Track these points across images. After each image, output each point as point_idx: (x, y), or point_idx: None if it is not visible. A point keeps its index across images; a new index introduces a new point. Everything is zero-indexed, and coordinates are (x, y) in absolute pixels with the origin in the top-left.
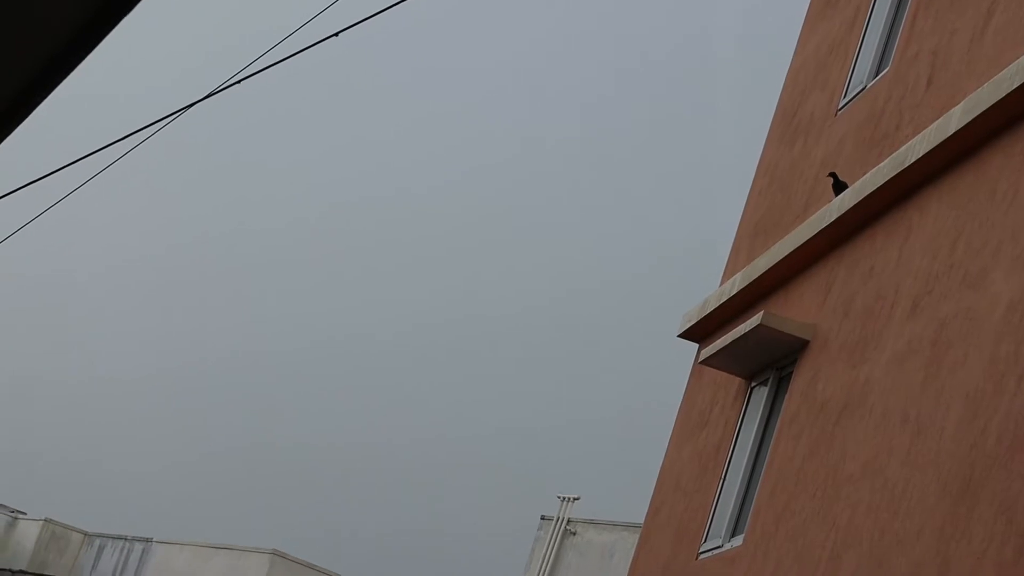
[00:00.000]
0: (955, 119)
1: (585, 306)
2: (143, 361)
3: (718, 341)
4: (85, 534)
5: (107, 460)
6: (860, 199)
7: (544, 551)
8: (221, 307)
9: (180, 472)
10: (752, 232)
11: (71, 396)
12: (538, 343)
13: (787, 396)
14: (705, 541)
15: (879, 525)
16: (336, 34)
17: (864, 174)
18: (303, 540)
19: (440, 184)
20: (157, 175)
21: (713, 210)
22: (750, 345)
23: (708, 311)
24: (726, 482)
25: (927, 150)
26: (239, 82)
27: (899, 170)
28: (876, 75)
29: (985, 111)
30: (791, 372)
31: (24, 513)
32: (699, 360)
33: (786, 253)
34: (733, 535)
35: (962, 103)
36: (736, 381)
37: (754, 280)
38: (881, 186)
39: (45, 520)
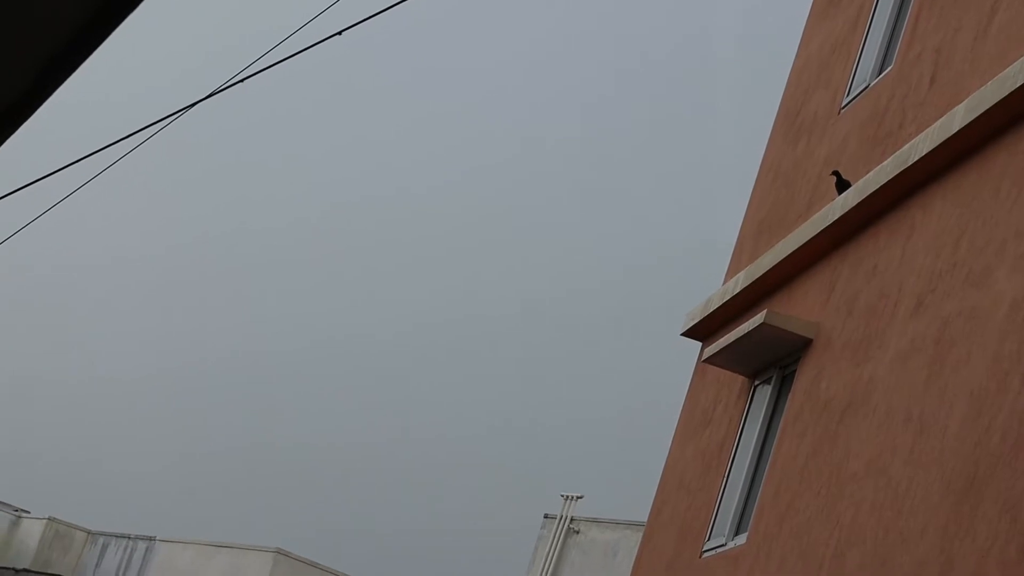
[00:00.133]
0: (958, 117)
1: (585, 306)
2: (143, 361)
3: (721, 340)
4: (89, 533)
5: (108, 460)
6: (863, 197)
7: (547, 549)
8: (221, 307)
9: (180, 472)
10: (755, 231)
11: (72, 396)
12: (538, 343)
13: (790, 395)
14: (708, 540)
15: (883, 523)
16: (339, 32)
17: (867, 172)
18: (304, 540)
19: (440, 184)
20: (158, 175)
21: (713, 210)
22: (753, 343)
23: (711, 309)
24: (729, 480)
25: (930, 148)
26: (241, 81)
27: (902, 168)
28: (879, 73)
29: (988, 109)
30: (794, 370)
31: (28, 512)
32: (702, 358)
33: (789, 251)
34: (736, 533)
35: (965, 101)
36: (739, 379)
37: (757, 278)
38: (884, 184)
39: (49, 519)
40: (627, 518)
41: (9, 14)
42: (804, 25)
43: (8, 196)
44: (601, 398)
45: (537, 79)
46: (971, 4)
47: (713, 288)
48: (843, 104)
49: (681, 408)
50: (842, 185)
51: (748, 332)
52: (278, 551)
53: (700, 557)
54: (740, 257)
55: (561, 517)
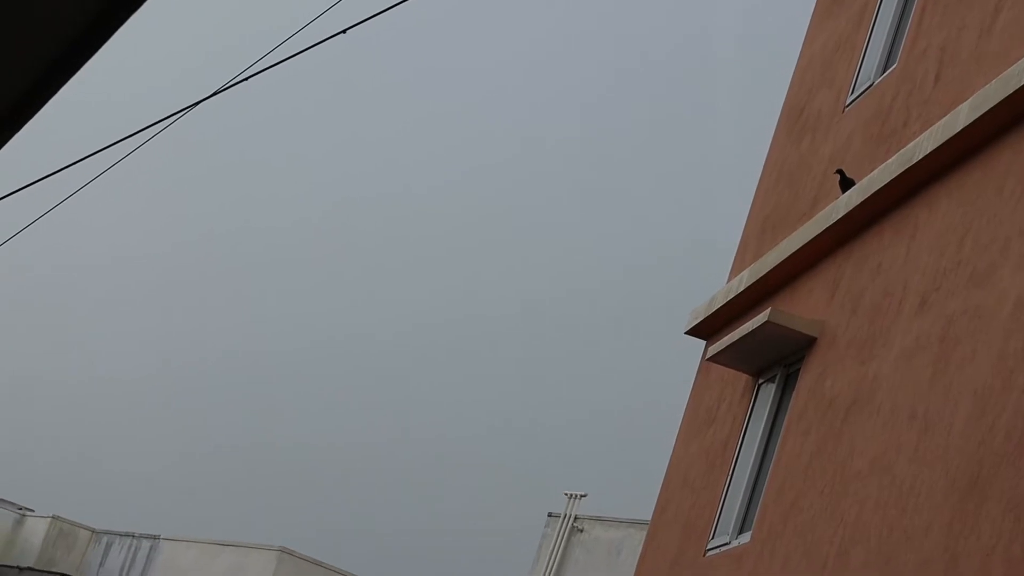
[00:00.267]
0: (963, 115)
1: (585, 305)
2: (144, 360)
3: (725, 338)
4: (93, 531)
5: (108, 459)
6: (868, 196)
7: (551, 548)
8: (222, 306)
9: (181, 471)
10: (760, 229)
11: (73, 395)
12: (539, 342)
13: (795, 393)
14: (712, 538)
15: (887, 521)
16: (344, 31)
17: (872, 171)
18: (305, 539)
19: (441, 183)
20: (161, 174)
21: (713, 210)
22: (757, 342)
23: (715, 308)
24: (733, 479)
25: (935, 147)
26: (246, 79)
27: (907, 167)
28: (884, 71)
29: (993, 107)
30: (799, 369)
31: (32, 510)
32: (706, 357)
33: (794, 250)
34: (741, 532)
35: (970, 99)
36: (743, 378)
37: (761, 277)
38: (889, 183)
39: (53, 517)
40: (630, 517)
41: (11, 16)
42: (808, 23)
43: (10, 196)
44: (601, 398)
45: (537, 79)
46: (975, 2)
47: (713, 288)
48: (847, 102)
49: (685, 406)
50: (846, 184)
51: (752, 330)
52: (282, 550)
53: (704, 555)
54: (744, 255)
55: (565, 516)
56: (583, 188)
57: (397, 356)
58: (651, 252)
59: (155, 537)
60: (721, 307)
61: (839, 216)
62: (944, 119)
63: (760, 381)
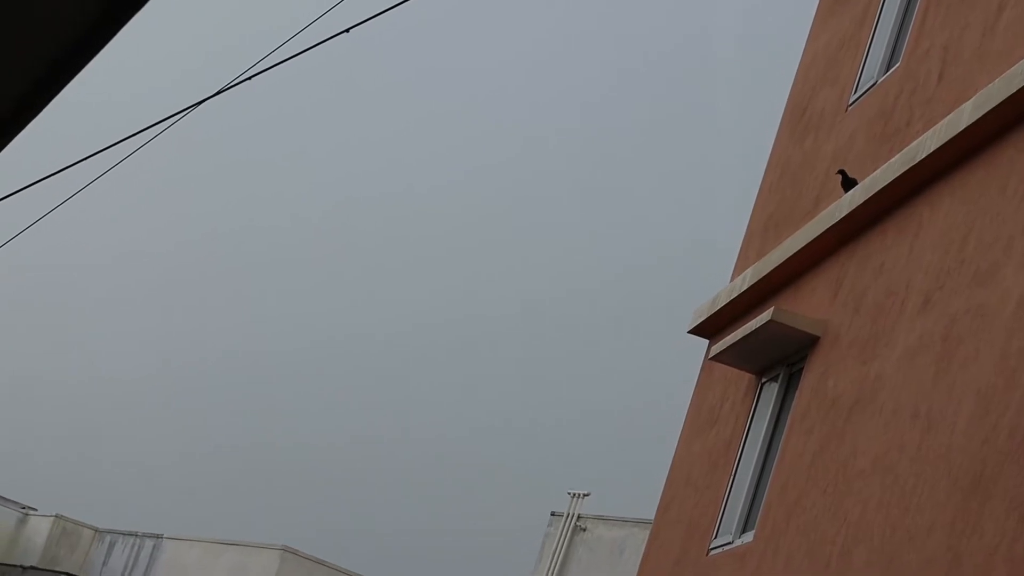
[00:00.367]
0: (966, 114)
1: (585, 305)
2: (145, 360)
3: (728, 337)
4: (96, 530)
5: (110, 458)
6: (871, 195)
7: (554, 547)
8: (224, 305)
9: (181, 471)
10: (763, 228)
11: (74, 395)
12: (539, 342)
13: (797, 392)
14: (716, 537)
15: (890, 521)
16: (347, 30)
17: (875, 170)
18: (306, 538)
19: (442, 183)
20: (164, 173)
21: (713, 209)
22: (760, 341)
23: (718, 307)
24: (736, 478)
25: (938, 145)
26: (249, 79)
27: (910, 166)
28: (887, 70)
29: (996, 106)
30: (802, 368)
31: (35, 509)
32: (709, 356)
33: (797, 249)
34: (744, 531)
35: (973, 98)
36: (746, 377)
37: (765, 276)
38: (892, 182)
39: (56, 516)
40: (633, 516)
41: (13, 17)
42: (810, 22)
43: (12, 196)
44: (602, 397)
45: (538, 79)
46: (978, 1)
47: (713, 287)
48: (850, 101)
49: (688, 406)
50: (848, 183)
51: (755, 329)
52: (285, 549)
53: (707, 555)
54: (747, 254)
55: (568, 515)
56: (584, 187)
57: (398, 356)
58: (651, 252)
59: (158, 536)
60: (724, 306)
61: (842, 215)
62: (947, 118)
63: (763, 380)
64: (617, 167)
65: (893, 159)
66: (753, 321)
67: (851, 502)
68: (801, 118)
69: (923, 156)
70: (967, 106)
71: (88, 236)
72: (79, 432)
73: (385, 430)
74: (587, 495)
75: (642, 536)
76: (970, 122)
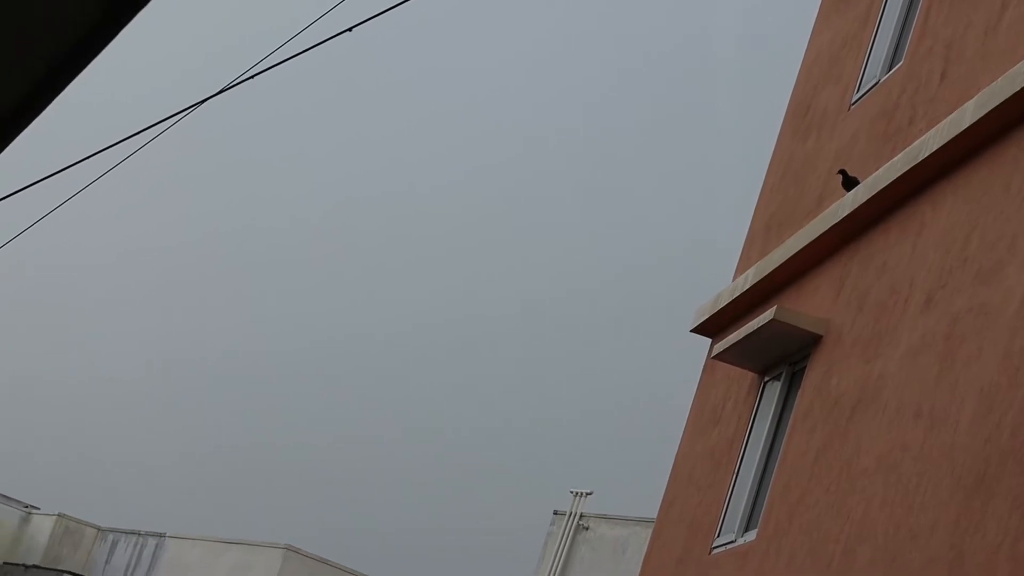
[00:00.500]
0: (969, 113)
1: (586, 304)
2: (146, 359)
3: (731, 336)
4: (99, 529)
5: (112, 458)
6: (873, 193)
7: (557, 546)
8: (226, 305)
9: (184, 470)
10: (765, 227)
11: (76, 394)
12: (540, 342)
13: (800, 391)
14: (718, 536)
15: (893, 519)
16: (350, 29)
17: (877, 168)
18: (307, 537)
19: (443, 183)
20: (165, 173)
21: (714, 209)
22: (763, 340)
23: (721, 306)
24: (739, 477)
25: (941, 144)
26: (251, 78)
27: (913, 164)
28: (889, 69)
29: (999, 105)
30: (804, 367)
31: (38, 508)
32: (712, 355)
33: (799, 248)
34: (746, 530)
35: (976, 97)
36: (749, 376)
37: (767, 275)
38: (895, 180)
39: (59, 515)
40: (636, 515)
41: (14, 18)
42: (813, 21)
43: (13, 196)
44: (602, 397)
45: (539, 79)
46: (981, 0)
47: (713, 287)
48: (853, 100)
49: (690, 405)
50: (849, 183)
51: (758, 328)
52: (287, 547)
53: (710, 553)
54: (750, 253)
55: (570, 513)
56: (584, 187)
57: (398, 356)
58: (651, 251)
59: (161, 535)
60: (727, 305)
61: (845, 214)
62: (950, 116)
63: (766, 379)
64: (617, 167)
65: (896, 158)
66: (756, 320)
67: (854, 501)
68: (804, 117)
69: (926, 155)
70: (970, 105)
71: (89, 236)
72: (80, 432)
73: (385, 430)
74: (589, 494)
75: (644, 535)
76: (973, 121)
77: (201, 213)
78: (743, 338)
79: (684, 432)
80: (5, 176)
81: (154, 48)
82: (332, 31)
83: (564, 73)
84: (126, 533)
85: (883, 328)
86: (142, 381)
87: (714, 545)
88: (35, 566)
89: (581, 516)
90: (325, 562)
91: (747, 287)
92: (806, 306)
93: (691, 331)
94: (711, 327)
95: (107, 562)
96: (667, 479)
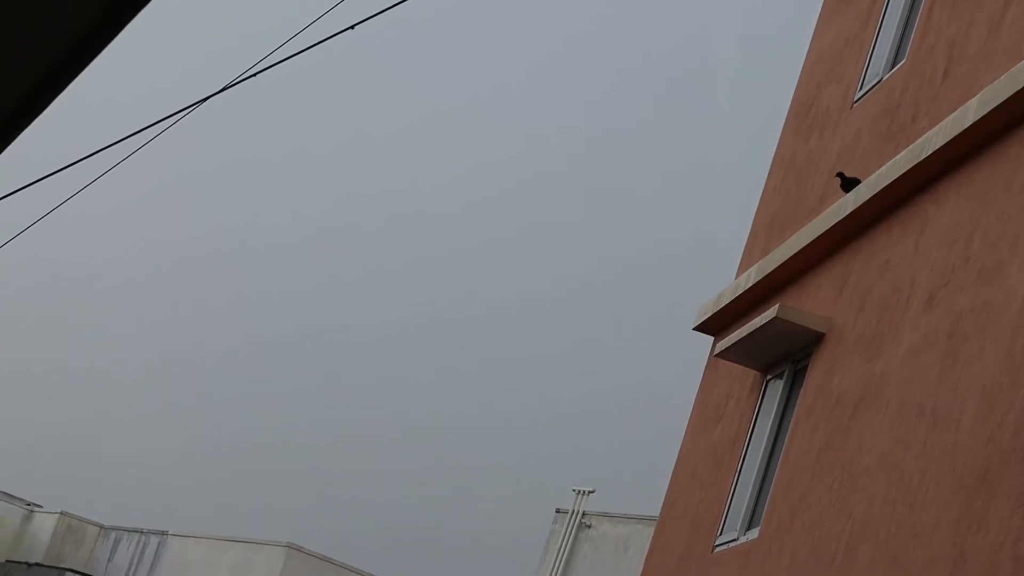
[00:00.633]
0: (972, 111)
1: (588, 303)
2: (148, 358)
3: (734, 334)
4: (101, 527)
5: (114, 456)
6: (876, 192)
7: (559, 544)
8: (227, 303)
9: (186, 469)
10: (768, 225)
11: (78, 392)
12: (541, 340)
13: (803, 389)
14: (721, 534)
15: (895, 518)
16: (352, 27)
17: (880, 167)
18: (309, 537)
19: (444, 181)
20: (167, 171)
21: (715, 208)
22: (766, 338)
23: (723, 304)
24: (742, 475)
25: (943, 142)
26: (254, 75)
27: (915, 162)
28: (892, 67)
29: (1002, 103)
30: (807, 365)
31: (40, 506)
32: (714, 353)
33: (802, 246)
34: (749, 528)
35: (979, 95)
36: (752, 374)
37: (770, 273)
38: (897, 179)
39: (61, 513)
40: (638, 513)
41: (13, 17)
42: (816, 19)
43: (14, 194)
44: (604, 395)
45: (541, 78)
46: None
47: (715, 286)
48: (856, 98)
49: (693, 403)
50: (848, 184)
51: (760, 327)
52: (290, 545)
53: (712, 551)
54: (752, 251)
55: (573, 512)
56: (585, 186)
57: (398, 354)
58: (653, 250)
59: (163, 533)
60: (729, 303)
61: (847, 212)
62: (953, 115)
63: (768, 377)
64: (618, 166)
65: (898, 156)
66: (758, 318)
67: (856, 499)
68: (806, 115)
69: (928, 153)
70: (973, 103)
71: (90, 235)
72: (82, 430)
73: (385, 430)
74: (592, 492)
75: (647, 533)
76: (976, 119)
77: (203, 211)
78: (745, 336)
79: (686, 430)
80: (6, 175)
81: (154, 48)
82: (333, 30)
83: (565, 72)
84: (128, 531)
85: (885, 327)
86: (143, 380)
87: (716, 543)
88: (37, 564)
89: (583, 514)
90: (328, 560)
91: (749, 285)
92: (808, 304)
93: (693, 329)
94: (713, 325)
95: (110, 560)
96: (669, 477)
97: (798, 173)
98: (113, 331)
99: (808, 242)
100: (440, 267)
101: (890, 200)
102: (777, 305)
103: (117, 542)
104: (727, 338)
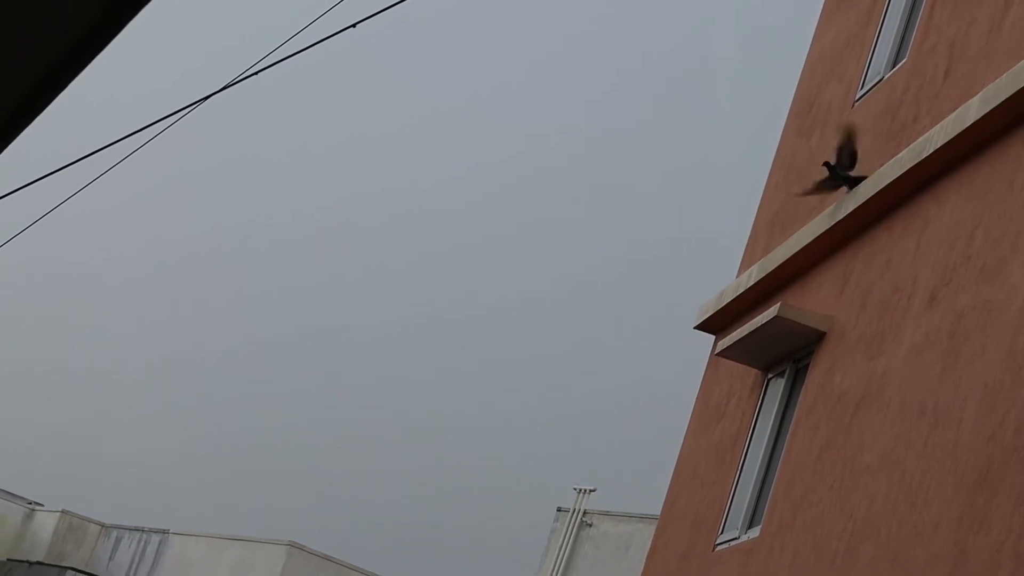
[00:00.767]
0: (973, 110)
1: (588, 302)
2: (150, 357)
3: (735, 333)
4: (102, 526)
5: (115, 455)
6: (877, 190)
7: (560, 543)
8: (229, 302)
9: (186, 468)
10: (769, 224)
11: (79, 391)
12: (541, 339)
13: (804, 388)
14: (722, 532)
15: (897, 516)
16: (353, 25)
17: (881, 165)
18: (309, 536)
19: (445, 180)
20: (168, 170)
21: (715, 206)
22: (767, 337)
23: (725, 303)
24: (743, 473)
25: (945, 141)
26: (255, 74)
27: (916, 161)
28: (893, 66)
29: (1003, 102)
30: (808, 364)
31: (41, 505)
32: (716, 352)
33: (803, 245)
34: (750, 527)
35: (980, 94)
36: (753, 373)
37: (771, 272)
38: (898, 177)
39: (62, 512)
40: (639, 512)
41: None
42: (817, 18)
43: (14, 193)
44: (605, 394)
45: (541, 77)
46: None
47: (715, 285)
48: (857, 97)
49: (695, 401)
50: (833, 172)
51: (762, 325)
52: (291, 544)
53: (713, 550)
54: (754, 250)
55: (574, 510)
56: (586, 185)
57: (399, 353)
58: (653, 249)
59: (164, 531)
60: (730, 302)
61: (849, 211)
62: (954, 113)
63: (769, 376)
64: (619, 165)
65: (900, 155)
66: (760, 317)
67: (858, 498)
68: (807, 114)
69: (930, 152)
70: (974, 101)
71: (91, 233)
72: (82, 429)
73: (385, 430)
74: (593, 491)
75: (648, 532)
76: (977, 117)
77: (203, 210)
78: (747, 335)
79: (688, 429)
80: (6, 175)
81: (154, 48)
82: (333, 29)
83: (565, 72)
84: (130, 530)
85: (887, 325)
86: (143, 380)
87: (718, 542)
88: (39, 563)
89: (585, 513)
90: (328, 559)
91: (751, 284)
92: (810, 303)
93: (695, 328)
94: (715, 324)
95: (111, 558)
96: (670, 476)
97: (799, 172)
98: (113, 331)
99: (809, 241)
100: (440, 266)
101: (891, 199)
102: (778, 304)
103: (118, 541)
104: (728, 337)
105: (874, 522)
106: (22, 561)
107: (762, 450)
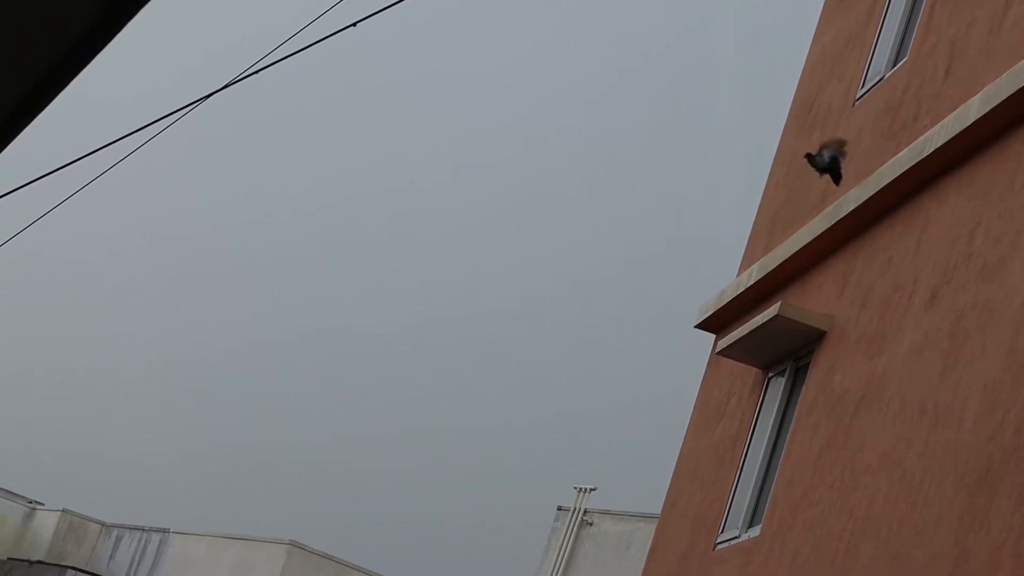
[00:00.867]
0: (973, 109)
1: (588, 302)
2: (150, 356)
3: (735, 332)
4: (103, 525)
5: (115, 454)
6: (878, 189)
7: (561, 542)
8: (229, 301)
9: (187, 467)
10: (770, 223)
11: (80, 390)
12: (541, 339)
13: (804, 387)
14: (722, 532)
15: (897, 516)
16: (354, 24)
17: (882, 164)
18: (310, 535)
19: (445, 180)
20: (169, 169)
21: (715, 206)
22: (767, 336)
23: (725, 302)
24: (743, 473)
25: (945, 140)
26: (256, 73)
27: (917, 160)
28: (894, 65)
29: (1004, 101)
30: (808, 363)
31: (42, 504)
32: (716, 351)
33: (803, 244)
34: (750, 526)
35: (980, 93)
36: (753, 372)
37: (771, 271)
38: (899, 176)
39: (63, 511)
40: (640, 511)
41: (13, 17)
42: (817, 18)
43: (14, 192)
44: (605, 394)
45: (541, 77)
46: None
47: (716, 284)
48: (857, 96)
49: (695, 400)
50: (812, 160)
51: (762, 324)
52: (291, 543)
53: (714, 549)
54: (754, 249)
55: (574, 509)
56: (586, 185)
57: (399, 353)
58: (653, 249)
59: (165, 531)
60: (731, 301)
61: (849, 210)
62: (955, 113)
63: (770, 375)
64: (619, 165)
65: (900, 154)
66: (760, 316)
67: (858, 497)
68: (807, 114)
69: (930, 151)
70: (974, 101)
71: (91, 233)
72: (83, 429)
73: (385, 430)
74: (593, 490)
75: (649, 531)
76: (977, 116)
77: (204, 209)
78: (747, 334)
79: (688, 428)
80: (6, 174)
81: (154, 48)
82: (334, 28)
83: (565, 72)
84: (130, 529)
85: (887, 324)
86: (143, 380)
87: (718, 541)
88: (39, 562)
89: (585, 512)
90: (329, 558)
91: (751, 283)
92: (810, 302)
93: (695, 327)
94: (715, 323)
95: (111, 558)
96: (671, 476)
97: (800, 171)
98: (113, 331)
99: (810, 240)
100: (440, 266)
101: (892, 198)
102: (779, 303)
103: (119, 540)
104: (728, 336)
105: (874, 521)
106: (23, 560)
107: (762, 449)
